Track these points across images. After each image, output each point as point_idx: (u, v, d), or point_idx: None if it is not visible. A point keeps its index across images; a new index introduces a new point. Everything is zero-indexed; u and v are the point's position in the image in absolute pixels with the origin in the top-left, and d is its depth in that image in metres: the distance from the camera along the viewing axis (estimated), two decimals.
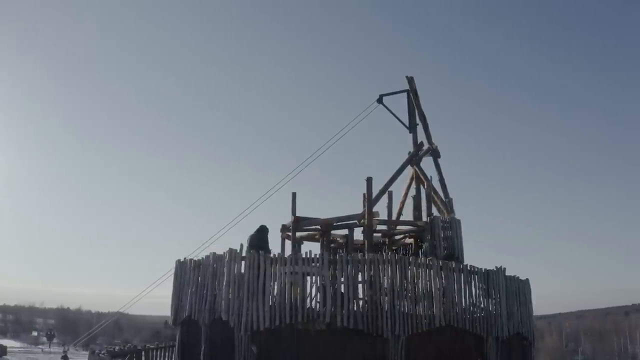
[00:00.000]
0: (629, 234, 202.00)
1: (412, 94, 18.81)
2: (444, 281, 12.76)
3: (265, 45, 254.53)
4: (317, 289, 12.30)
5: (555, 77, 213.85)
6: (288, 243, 17.51)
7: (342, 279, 12.20)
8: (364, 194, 17.12)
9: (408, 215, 18.31)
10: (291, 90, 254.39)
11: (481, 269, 13.60)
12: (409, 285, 12.49)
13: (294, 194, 16.76)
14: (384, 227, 17.50)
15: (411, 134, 18.72)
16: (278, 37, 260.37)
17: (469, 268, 13.42)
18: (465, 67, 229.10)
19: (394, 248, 17.77)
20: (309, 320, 11.92)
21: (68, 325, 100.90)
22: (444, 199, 17.35)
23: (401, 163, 18.11)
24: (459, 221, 16.37)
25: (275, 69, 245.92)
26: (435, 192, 17.28)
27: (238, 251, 12.64)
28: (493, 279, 13.65)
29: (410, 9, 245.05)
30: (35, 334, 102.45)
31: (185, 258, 14.54)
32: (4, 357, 47.78)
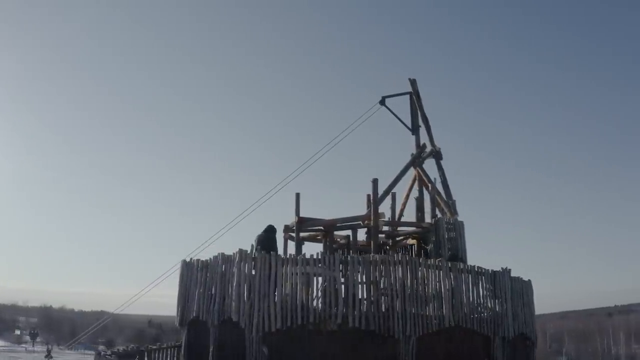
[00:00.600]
0: (612, 236, 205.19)
1: (415, 96, 18.95)
2: (452, 282, 12.88)
3: (268, 47, 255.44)
4: (329, 290, 12.32)
5: (557, 79, 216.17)
6: (290, 244, 17.56)
7: (353, 280, 12.25)
8: (368, 195, 17.21)
9: (409, 216, 18.46)
10: (293, 91, 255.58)
11: (488, 270, 13.76)
12: (419, 286, 12.58)
13: (297, 195, 16.79)
14: (386, 228, 17.58)
15: (414, 136, 18.85)
16: (279, 38, 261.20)
17: (476, 269, 13.55)
18: (467, 69, 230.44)
19: (397, 249, 17.86)
20: (320, 321, 11.95)
21: (51, 323, 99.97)
22: (446, 200, 17.48)
23: (403, 164, 18.27)
24: (462, 223, 16.51)
25: (278, 71, 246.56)
26: (439, 194, 17.41)
27: (248, 252, 12.64)
28: (499, 280, 13.81)
29: (413, 12, 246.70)
30: (18, 332, 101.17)
31: (191, 259, 14.48)
32: None
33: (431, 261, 13.12)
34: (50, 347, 54.14)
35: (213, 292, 13.18)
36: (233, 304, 12.33)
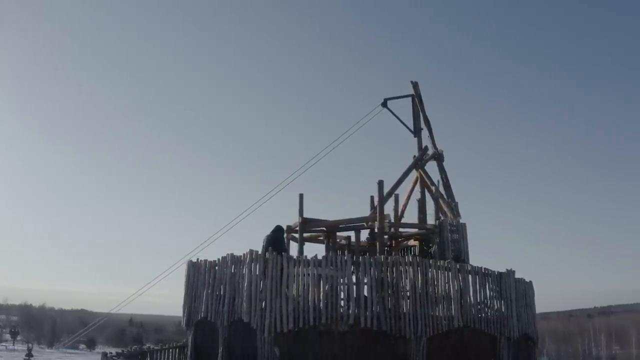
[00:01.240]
0: (593, 238, 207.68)
1: (417, 99, 19.10)
2: (461, 283, 13.04)
3: (272, 50, 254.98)
4: (340, 291, 12.39)
5: (558, 81, 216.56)
6: (293, 244, 17.57)
7: (366, 281, 12.35)
8: (372, 197, 17.34)
9: (410, 218, 18.60)
10: (295, 92, 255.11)
11: (494, 271, 13.96)
12: (429, 287, 12.71)
13: (301, 196, 16.79)
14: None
15: (416, 138, 18.99)
16: (282, 40, 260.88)
17: (483, 271, 13.73)
18: (469, 72, 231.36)
19: (399, 251, 17.97)
20: (331, 322, 12.02)
21: (32, 322, 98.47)
22: (449, 202, 17.65)
23: (405, 166, 18.40)
24: (464, 224, 16.68)
25: (282, 74, 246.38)
26: (441, 196, 17.57)
27: (259, 252, 12.66)
28: (505, 281, 14.01)
29: (416, 15, 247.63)
30: None
31: (198, 259, 14.43)
32: None
33: (441, 262, 13.27)
34: (30, 346, 53.36)
35: (222, 293, 13.17)
36: (244, 304, 12.34)
